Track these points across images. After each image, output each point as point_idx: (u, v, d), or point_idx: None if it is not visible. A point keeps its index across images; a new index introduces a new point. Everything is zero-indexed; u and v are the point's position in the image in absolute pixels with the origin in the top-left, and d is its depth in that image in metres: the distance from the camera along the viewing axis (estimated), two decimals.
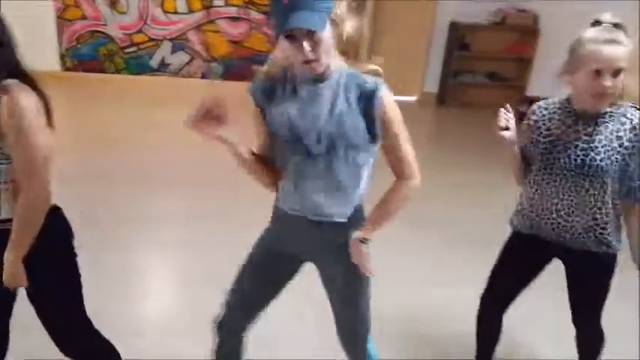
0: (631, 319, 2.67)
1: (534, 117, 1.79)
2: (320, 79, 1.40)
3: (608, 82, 1.55)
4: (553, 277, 1.94)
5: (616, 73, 1.56)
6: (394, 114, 1.43)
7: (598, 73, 1.55)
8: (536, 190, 1.78)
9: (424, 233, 3.37)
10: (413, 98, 7.26)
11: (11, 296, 1.65)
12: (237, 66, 7.00)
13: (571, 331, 1.97)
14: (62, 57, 6.80)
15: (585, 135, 1.67)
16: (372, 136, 1.44)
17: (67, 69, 6.78)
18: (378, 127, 1.42)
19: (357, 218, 1.53)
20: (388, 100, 1.42)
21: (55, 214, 1.56)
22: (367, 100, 1.40)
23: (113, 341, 1.76)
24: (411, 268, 3.00)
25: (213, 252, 3.03)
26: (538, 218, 1.79)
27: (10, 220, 1.45)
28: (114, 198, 3.65)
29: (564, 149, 1.70)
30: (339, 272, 1.58)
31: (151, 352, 2.24)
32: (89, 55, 6.79)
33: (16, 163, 1.40)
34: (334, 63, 1.39)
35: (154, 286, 2.95)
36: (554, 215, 1.74)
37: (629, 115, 1.65)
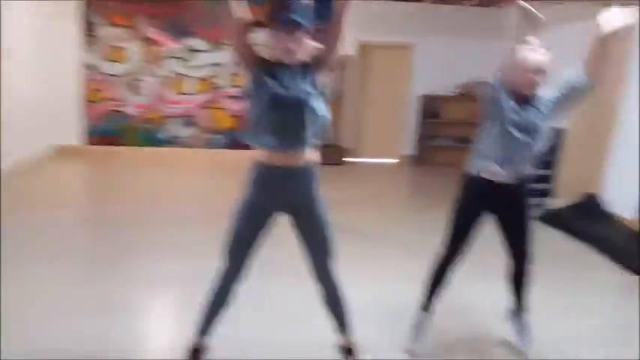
0: (631, 318, 3.05)
1: None
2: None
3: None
4: None
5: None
6: None
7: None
8: None
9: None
10: (395, 160, 8.33)
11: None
12: (238, 137, 8.01)
13: None
14: (88, 133, 7.79)
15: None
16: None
17: (92, 143, 7.71)
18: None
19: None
20: None
21: None
22: None
23: None
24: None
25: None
26: None
27: None
28: (122, 235, 4.38)
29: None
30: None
31: None
32: (111, 131, 7.78)
33: None
34: None
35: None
36: None
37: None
